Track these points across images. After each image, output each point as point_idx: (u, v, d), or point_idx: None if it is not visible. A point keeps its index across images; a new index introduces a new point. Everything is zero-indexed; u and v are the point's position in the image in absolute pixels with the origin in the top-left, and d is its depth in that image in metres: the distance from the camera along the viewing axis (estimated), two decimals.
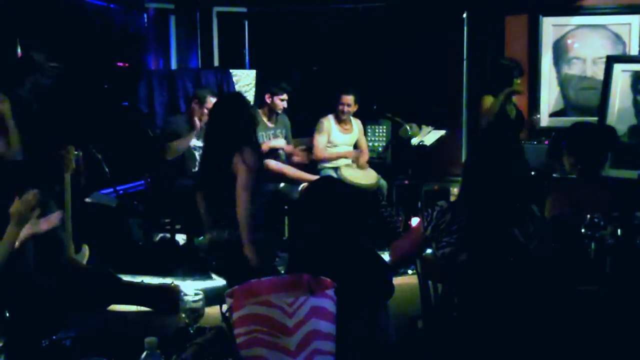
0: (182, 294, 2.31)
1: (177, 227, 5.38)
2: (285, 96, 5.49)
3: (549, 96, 6.20)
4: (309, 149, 5.77)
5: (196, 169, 5.20)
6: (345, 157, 5.77)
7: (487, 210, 2.58)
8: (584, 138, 3.31)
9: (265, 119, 5.53)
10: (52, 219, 3.17)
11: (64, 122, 4.35)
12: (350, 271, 2.12)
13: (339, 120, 5.78)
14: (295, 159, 5.64)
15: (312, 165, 5.71)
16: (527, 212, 2.64)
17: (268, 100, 5.49)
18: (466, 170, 2.77)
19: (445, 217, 2.59)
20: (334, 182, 2.80)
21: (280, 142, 5.57)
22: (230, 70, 6.22)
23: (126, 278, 4.43)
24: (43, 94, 4.04)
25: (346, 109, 5.69)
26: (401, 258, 2.85)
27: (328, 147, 5.78)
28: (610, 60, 5.53)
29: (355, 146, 5.94)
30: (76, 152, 4.42)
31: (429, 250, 2.76)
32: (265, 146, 5.41)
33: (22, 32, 4.88)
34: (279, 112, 5.57)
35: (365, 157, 5.92)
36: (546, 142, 5.53)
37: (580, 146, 3.27)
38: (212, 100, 5.07)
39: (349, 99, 5.66)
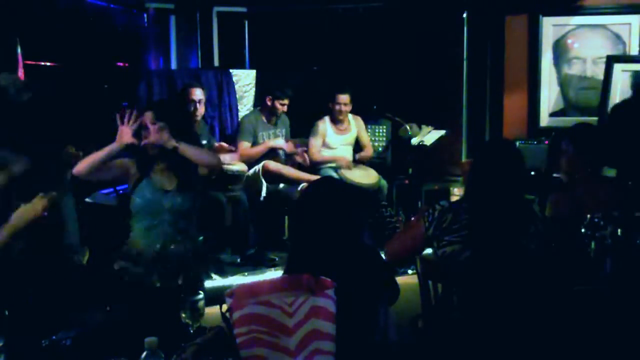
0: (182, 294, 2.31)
1: None
2: (286, 101, 5.47)
3: (549, 96, 6.19)
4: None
5: None
6: (338, 162, 5.65)
7: (489, 210, 2.58)
8: (587, 137, 3.30)
9: (264, 120, 5.53)
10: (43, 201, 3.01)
11: (64, 122, 4.34)
12: (351, 271, 2.12)
13: (335, 121, 5.74)
14: (297, 158, 5.62)
15: (311, 166, 5.71)
16: (527, 212, 2.64)
17: (269, 103, 5.47)
18: (470, 170, 2.76)
19: (447, 216, 2.59)
20: (334, 182, 2.79)
21: (280, 142, 5.54)
22: (230, 70, 6.21)
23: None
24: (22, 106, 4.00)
25: (343, 108, 5.66)
26: (397, 254, 2.82)
27: (324, 149, 5.75)
28: (610, 60, 5.54)
29: (357, 144, 5.92)
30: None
31: (429, 250, 2.76)
32: (264, 146, 5.43)
33: (22, 32, 4.88)
34: (279, 115, 5.57)
35: (369, 151, 5.92)
36: (546, 142, 5.53)
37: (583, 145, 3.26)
38: (195, 91, 5.09)
39: (345, 98, 5.63)
